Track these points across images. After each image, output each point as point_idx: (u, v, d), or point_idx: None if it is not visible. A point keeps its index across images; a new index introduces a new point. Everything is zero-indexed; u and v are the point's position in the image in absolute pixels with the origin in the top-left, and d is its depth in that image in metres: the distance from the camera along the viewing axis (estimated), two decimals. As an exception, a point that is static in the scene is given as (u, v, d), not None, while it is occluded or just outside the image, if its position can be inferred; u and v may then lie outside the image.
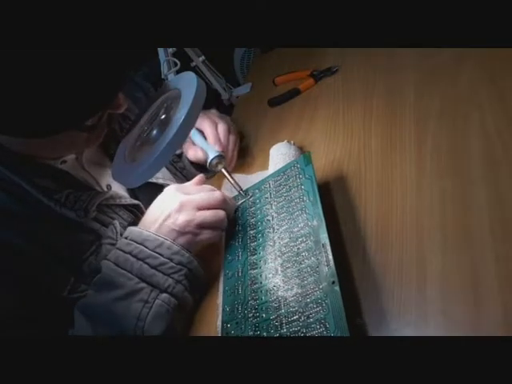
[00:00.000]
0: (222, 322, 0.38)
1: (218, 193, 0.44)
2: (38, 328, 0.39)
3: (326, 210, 0.37)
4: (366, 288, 0.35)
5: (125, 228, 0.47)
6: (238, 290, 0.39)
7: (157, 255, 0.39)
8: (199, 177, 0.48)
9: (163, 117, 0.43)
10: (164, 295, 0.38)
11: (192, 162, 0.61)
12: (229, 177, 0.49)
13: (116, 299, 0.38)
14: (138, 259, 0.39)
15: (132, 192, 0.53)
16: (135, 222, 0.48)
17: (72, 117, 0.37)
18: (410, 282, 0.33)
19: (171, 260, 0.40)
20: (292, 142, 0.53)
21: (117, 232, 0.46)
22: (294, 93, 0.67)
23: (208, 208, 0.42)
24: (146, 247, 0.39)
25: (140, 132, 0.46)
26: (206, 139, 0.54)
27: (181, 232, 0.41)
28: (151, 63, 0.63)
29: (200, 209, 0.42)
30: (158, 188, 0.55)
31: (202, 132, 0.55)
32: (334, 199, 0.44)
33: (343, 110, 0.56)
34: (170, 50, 0.60)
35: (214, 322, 0.40)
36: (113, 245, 0.45)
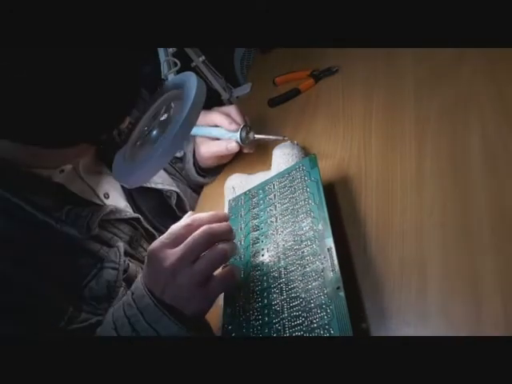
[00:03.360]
0: (223, 324, 0.38)
1: (202, 229, 0.36)
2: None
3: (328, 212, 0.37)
4: (366, 288, 0.35)
5: (127, 243, 0.46)
6: (239, 291, 0.39)
7: (152, 331, 0.34)
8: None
9: (163, 117, 0.43)
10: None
11: (195, 164, 0.61)
12: (265, 137, 0.51)
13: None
14: (134, 329, 0.34)
15: (131, 199, 0.52)
16: (135, 236, 0.48)
17: (94, 130, 0.37)
18: (409, 282, 0.33)
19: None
20: (295, 142, 0.53)
21: (120, 255, 0.44)
22: (294, 93, 0.66)
23: (202, 251, 0.36)
24: (144, 318, 0.34)
25: (140, 132, 0.46)
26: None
27: (187, 295, 0.35)
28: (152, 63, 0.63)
29: (195, 259, 0.35)
30: (158, 193, 0.55)
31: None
32: (333, 199, 0.44)
33: (343, 110, 0.56)
34: (170, 49, 0.60)
35: (215, 323, 0.40)
36: (115, 269, 0.43)
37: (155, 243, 0.36)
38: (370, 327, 0.32)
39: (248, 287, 0.39)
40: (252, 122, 0.69)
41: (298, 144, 0.52)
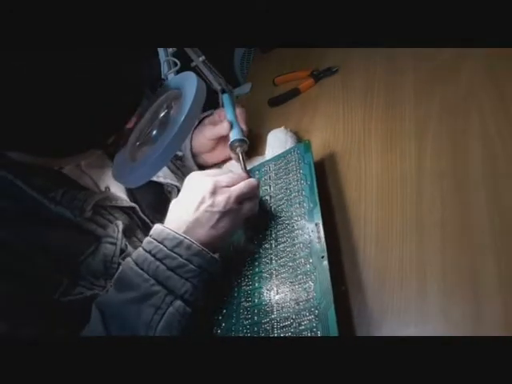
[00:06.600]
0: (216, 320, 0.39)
1: (240, 171, 0.46)
2: (24, 327, 0.37)
3: (328, 211, 0.37)
4: (366, 288, 0.35)
5: (122, 231, 0.46)
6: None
7: (175, 255, 0.37)
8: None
9: (163, 117, 0.43)
10: (178, 303, 0.36)
11: (194, 156, 0.62)
12: (242, 162, 0.52)
13: (129, 301, 0.36)
14: (157, 259, 0.37)
15: (130, 192, 0.52)
16: (130, 225, 0.48)
17: (96, 137, 0.38)
18: (409, 282, 0.33)
19: (190, 262, 0.37)
20: (288, 128, 0.56)
21: (118, 231, 0.45)
22: (294, 93, 0.67)
23: (244, 196, 0.41)
24: (165, 246, 0.37)
25: (140, 132, 0.46)
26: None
27: (223, 212, 0.39)
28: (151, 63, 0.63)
29: (231, 186, 0.41)
30: (159, 188, 0.55)
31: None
32: (333, 199, 0.44)
33: (343, 110, 0.56)
34: (170, 49, 0.60)
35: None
36: (113, 244, 0.44)
37: (194, 173, 0.43)
38: (370, 327, 0.33)
39: (240, 265, 0.42)
40: (252, 122, 0.69)
41: (290, 130, 0.55)
